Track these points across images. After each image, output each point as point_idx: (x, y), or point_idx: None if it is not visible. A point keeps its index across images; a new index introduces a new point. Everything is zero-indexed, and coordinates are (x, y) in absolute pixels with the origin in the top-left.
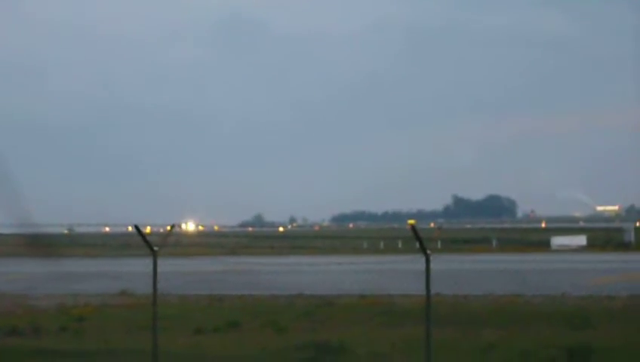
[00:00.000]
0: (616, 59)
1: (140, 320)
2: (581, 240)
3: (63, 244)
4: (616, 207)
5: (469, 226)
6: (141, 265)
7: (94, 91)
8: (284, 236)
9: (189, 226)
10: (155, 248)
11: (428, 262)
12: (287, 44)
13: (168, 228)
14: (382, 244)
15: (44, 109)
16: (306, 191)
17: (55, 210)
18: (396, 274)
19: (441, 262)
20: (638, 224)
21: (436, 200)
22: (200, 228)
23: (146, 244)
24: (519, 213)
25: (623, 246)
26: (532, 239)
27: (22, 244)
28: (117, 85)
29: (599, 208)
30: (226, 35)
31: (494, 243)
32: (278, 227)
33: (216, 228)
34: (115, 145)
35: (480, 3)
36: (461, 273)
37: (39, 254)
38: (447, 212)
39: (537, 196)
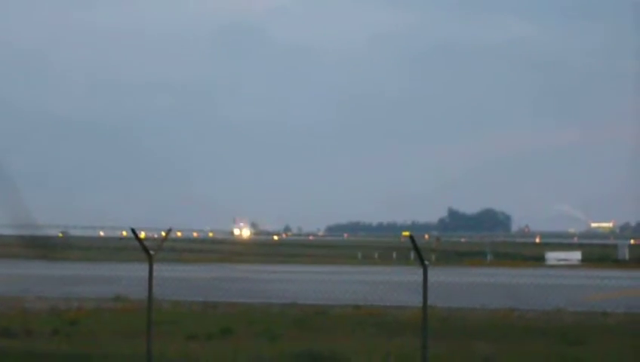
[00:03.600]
0: (610, 74)
1: (133, 325)
2: (576, 255)
3: (59, 246)
4: (610, 224)
5: (463, 240)
6: (136, 270)
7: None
8: (278, 244)
9: (244, 232)
10: (152, 252)
11: (425, 272)
12: (287, 54)
13: (163, 233)
14: (376, 255)
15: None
16: (302, 201)
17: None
18: (390, 285)
19: (436, 275)
20: (632, 241)
21: (431, 213)
22: (256, 234)
23: (142, 248)
24: (514, 228)
25: (618, 263)
26: (526, 253)
27: (19, 245)
28: (122, 85)
29: (593, 224)
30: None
31: (489, 256)
32: (273, 235)
33: (210, 234)
34: (117, 146)
35: (478, 20)
36: (455, 286)
37: (35, 255)
38: (441, 225)
39: (532, 211)
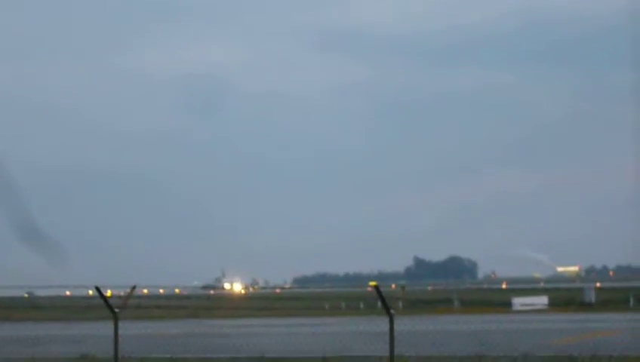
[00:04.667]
0: (573, 118)
1: None
2: (542, 300)
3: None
4: (576, 268)
5: (430, 288)
6: (102, 329)
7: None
8: (245, 298)
9: (235, 287)
10: (117, 310)
11: (392, 322)
12: (250, 103)
13: (129, 290)
14: (343, 305)
15: None
16: (267, 254)
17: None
18: (358, 336)
19: (403, 323)
20: (598, 284)
21: (397, 262)
22: (247, 288)
23: (107, 307)
24: (480, 274)
25: (584, 306)
26: (493, 299)
27: None
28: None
29: (559, 269)
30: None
31: (456, 303)
32: (240, 289)
33: (177, 290)
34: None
35: (444, 65)
36: (423, 334)
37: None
38: (408, 273)
39: (498, 257)
